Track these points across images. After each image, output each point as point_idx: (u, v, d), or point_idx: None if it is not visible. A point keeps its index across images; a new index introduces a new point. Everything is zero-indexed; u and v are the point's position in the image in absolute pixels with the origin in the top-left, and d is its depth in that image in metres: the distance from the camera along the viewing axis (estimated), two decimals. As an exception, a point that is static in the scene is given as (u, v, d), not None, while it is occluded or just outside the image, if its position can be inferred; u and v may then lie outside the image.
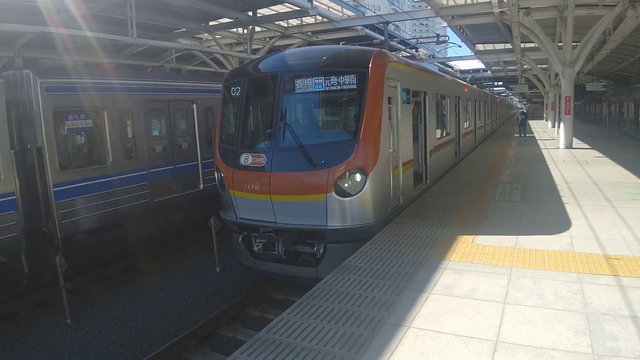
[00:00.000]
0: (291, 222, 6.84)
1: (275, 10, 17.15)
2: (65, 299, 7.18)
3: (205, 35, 20.30)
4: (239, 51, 19.22)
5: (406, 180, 8.30)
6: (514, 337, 3.84)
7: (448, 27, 21.32)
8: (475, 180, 11.42)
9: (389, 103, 7.45)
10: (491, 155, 17.33)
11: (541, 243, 6.25)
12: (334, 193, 6.54)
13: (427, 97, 10.12)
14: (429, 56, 33.53)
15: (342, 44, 10.16)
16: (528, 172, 12.68)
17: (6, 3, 11.31)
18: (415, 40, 26.30)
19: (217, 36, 19.19)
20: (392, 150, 7.48)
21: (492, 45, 29.19)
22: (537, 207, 8.39)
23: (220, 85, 8.25)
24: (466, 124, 17.27)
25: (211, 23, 17.39)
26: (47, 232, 7.96)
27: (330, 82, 6.86)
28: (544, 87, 38.94)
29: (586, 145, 19.27)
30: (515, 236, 6.62)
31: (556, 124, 28.88)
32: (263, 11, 16.88)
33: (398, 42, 25.10)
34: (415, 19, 20.80)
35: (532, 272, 5.23)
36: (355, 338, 3.94)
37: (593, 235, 6.55)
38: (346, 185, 6.60)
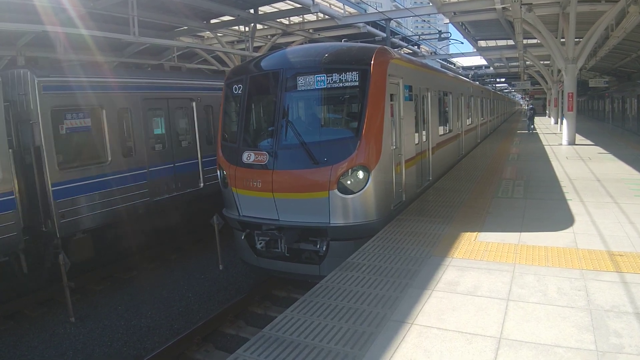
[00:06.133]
0: (294, 219, 6.84)
1: (276, 8, 17.11)
2: (69, 297, 7.21)
3: (207, 33, 20.27)
4: (241, 49, 19.22)
5: (408, 177, 8.29)
6: (518, 334, 3.84)
7: (450, 24, 21.20)
8: (477, 177, 11.40)
9: (391, 100, 7.44)
10: (494, 152, 17.30)
11: (544, 240, 6.23)
12: (336, 190, 6.54)
13: (429, 94, 10.10)
14: (431, 53, 33.42)
15: (344, 41, 10.15)
16: (531, 168, 12.65)
17: (7, 2, 11.32)
18: (417, 37, 26.19)
19: (218, 34, 19.18)
20: (394, 147, 7.47)
21: (494, 41, 29.10)
22: (540, 204, 8.38)
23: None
24: (469, 121, 17.24)
25: (213, 21, 17.37)
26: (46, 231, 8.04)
27: (332, 79, 6.85)
28: (547, 83, 38.79)
29: (589, 142, 19.21)
30: (518, 233, 6.61)
31: (559, 120, 28.81)
32: (264, 9, 16.85)
33: (400, 39, 25.02)
34: (417, 16, 20.71)
35: (535, 269, 5.22)
36: (358, 335, 3.94)
37: (596, 231, 6.53)
38: (349, 182, 6.60)
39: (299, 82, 7.05)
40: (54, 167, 7.94)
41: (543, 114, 54.98)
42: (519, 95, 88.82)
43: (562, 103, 21.38)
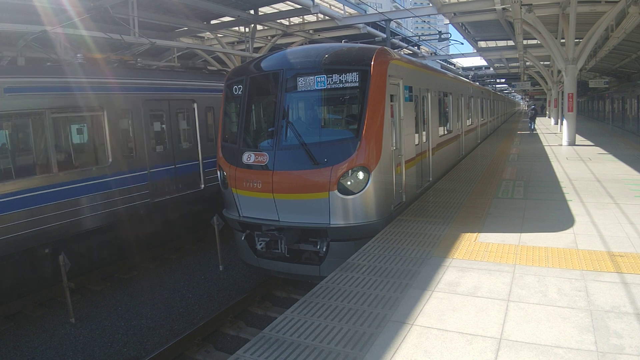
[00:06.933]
0: (294, 220, 6.84)
1: (276, 9, 17.14)
2: (69, 298, 7.21)
3: (207, 34, 20.30)
4: (241, 50, 19.24)
5: (409, 178, 8.29)
6: (518, 335, 3.84)
7: (450, 24, 21.26)
8: (478, 178, 11.40)
9: (391, 101, 7.44)
10: (494, 152, 17.30)
11: (544, 240, 6.23)
12: (336, 191, 6.54)
13: (429, 95, 10.10)
14: (431, 53, 33.48)
15: (344, 41, 10.14)
16: (531, 169, 12.66)
17: (6, 3, 11.33)
18: (417, 37, 26.22)
19: (218, 35, 19.21)
20: (394, 148, 7.47)
21: (494, 42, 29.13)
22: (540, 205, 8.38)
23: None
24: (469, 122, 17.24)
25: (213, 22, 17.40)
26: None
27: (332, 80, 6.85)
28: (547, 84, 38.83)
29: (589, 142, 19.22)
30: (519, 233, 6.61)
31: (559, 120, 28.86)
32: (265, 9, 16.89)
33: (400, 40, 25.06)
34: (417, 17, 20.74)
35: (535, 270, 5.22)
36: (358, 336, 3.94)
37: (596, 232, 6.53)
38: (349, 183, 6.60)
39: (299, 82, 7.05)
40: None
41: (542, 114, 55.03)
42: (519, 96, 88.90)
43: (562, 104, 21.41)
